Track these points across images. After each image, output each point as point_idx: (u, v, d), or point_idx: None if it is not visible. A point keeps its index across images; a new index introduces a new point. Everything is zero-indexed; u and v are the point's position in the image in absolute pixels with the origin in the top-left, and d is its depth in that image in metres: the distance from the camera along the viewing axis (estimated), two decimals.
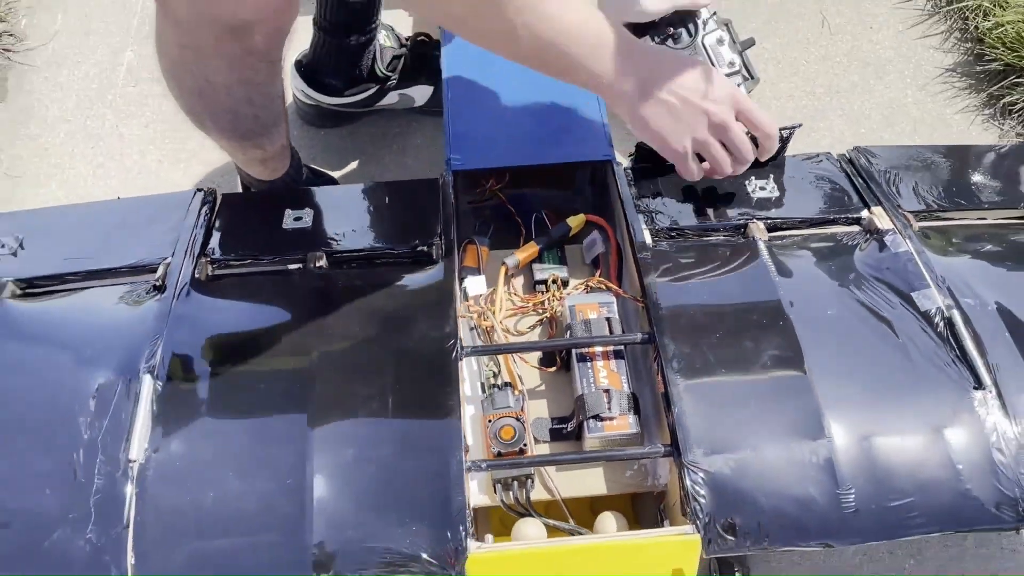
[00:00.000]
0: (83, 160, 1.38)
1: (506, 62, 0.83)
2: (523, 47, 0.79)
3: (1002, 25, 1.43)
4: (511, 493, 0.73)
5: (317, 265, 0.83)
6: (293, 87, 1.35)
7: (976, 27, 1.47)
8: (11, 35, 1.50)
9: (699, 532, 0.67)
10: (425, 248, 0.84)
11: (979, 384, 0.73)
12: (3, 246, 0.87)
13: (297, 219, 0.89)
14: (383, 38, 1.33)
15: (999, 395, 0.72)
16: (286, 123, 1.06)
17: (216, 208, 0.91)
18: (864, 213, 0.88)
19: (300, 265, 0.84)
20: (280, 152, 1.09)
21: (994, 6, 1.46)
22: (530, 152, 0.96)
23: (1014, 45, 1.42)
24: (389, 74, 1.33)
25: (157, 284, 0.82)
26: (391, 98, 1.37)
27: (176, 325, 0.77)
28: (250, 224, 0.91)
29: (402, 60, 1.35)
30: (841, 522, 0.68)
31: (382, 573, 0.65)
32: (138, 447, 0.69)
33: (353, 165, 1.38)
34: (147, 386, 0.72)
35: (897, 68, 1.47)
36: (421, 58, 1.35)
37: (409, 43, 1.36)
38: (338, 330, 0.77)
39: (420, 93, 1.38)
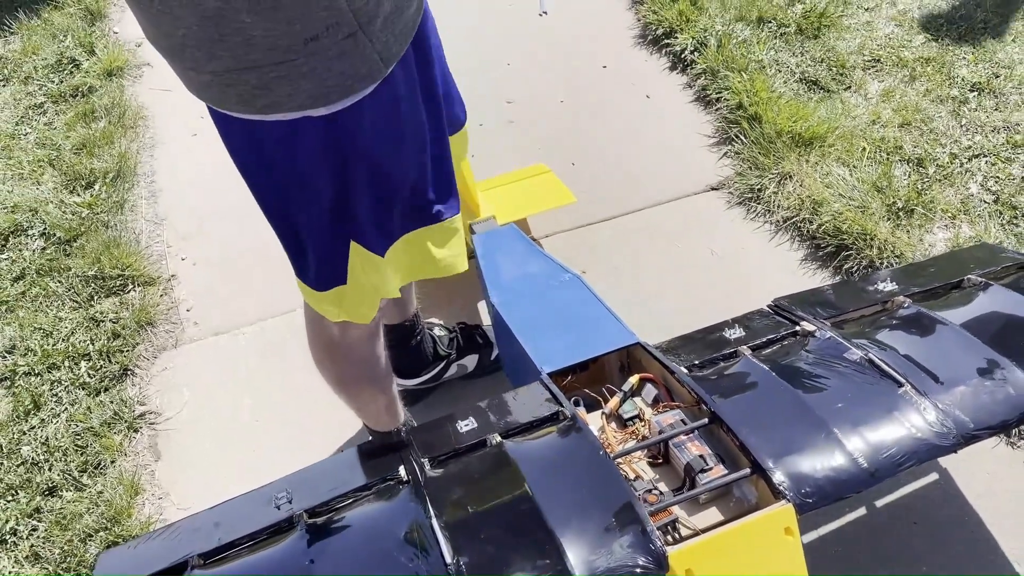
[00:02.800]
0: (236, 469, 1.78)
1: (531, 288, 1.42)
2: None
3: (823, 224, 2.14)
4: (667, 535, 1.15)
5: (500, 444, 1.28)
6: None
7: (808, 231, 2.17)
8: (152, 412, 1.94)
9: (791, 502, 1.11)
10: (569, 421, 1.31)
11: (901, 384, 1.25)
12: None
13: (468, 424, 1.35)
14: (438, 331, 1.88)
15: (912, 385, 1.24)
16: (392, 376, 1.54)
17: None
18: (799, 326, 1.43)
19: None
20: (396, 397, 1.55)
21: (812, 214, 2.17)
22: (586, 350, 1.48)
23: (835, 234, 2.11)
24: (450, 351, 1.86)
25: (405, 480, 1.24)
26: (452, 369, 1.89)
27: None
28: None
29: (455, 340, 1.89)
30: (861, 474, 1.14)
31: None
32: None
33: None
34: (436, 522, 1.13)
35: (775, 266, 2.13)
36: (466, 335, 1.90)
37: (456, 328, 1.91)
38: (549, 472, 1.21)
39: (470, 361, 1.92)
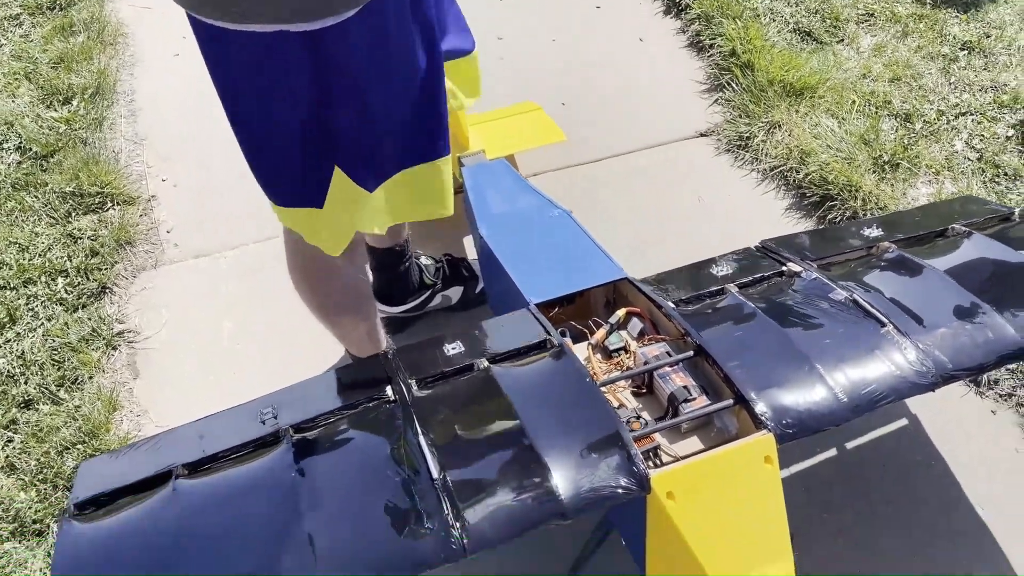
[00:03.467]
0: (216, 391, 1.77)
1: (520, 221, 1.41)
2: None
3: (809, 174, 2.14)
4: (648, 462, 1.17)
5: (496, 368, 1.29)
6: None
7: (795, 180, 2.18)
8: (131, 331, 1.92)
9: (772, 432, 1.13)
10: (556, 349, 1.32)
11: (883, 324, 1.26)
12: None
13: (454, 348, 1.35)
14: (424, 260, 1.87)
15: (894, 326, 1.26)
16: (373, 303, 1.52)
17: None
18: (785, 267, 1.44)
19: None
20: (378, 324, 1.54)
21: (799, 164, 2.18)
22: (574, 282, 1.49)
23: (821, 184, 2.12)
24: (436, 281, 1.86)
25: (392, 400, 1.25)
26: (436, 300, 1.89)
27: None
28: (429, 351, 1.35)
29: (440, 270, 1.88)
30: (841, 408, 1.17)
31: (614, 499, 1.07)
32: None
33: None
34: (423, 440, 1.13)
35: (760, 213, 2.14)
36: (452, 267, 1.89)
37: (442, 259, 1.90)
38: (535, 396, 1.22)
39: (454, 292, 1.91)
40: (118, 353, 1.87)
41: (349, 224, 1.30)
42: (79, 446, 1.65)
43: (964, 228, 1.52)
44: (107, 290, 1.99)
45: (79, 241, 2.06)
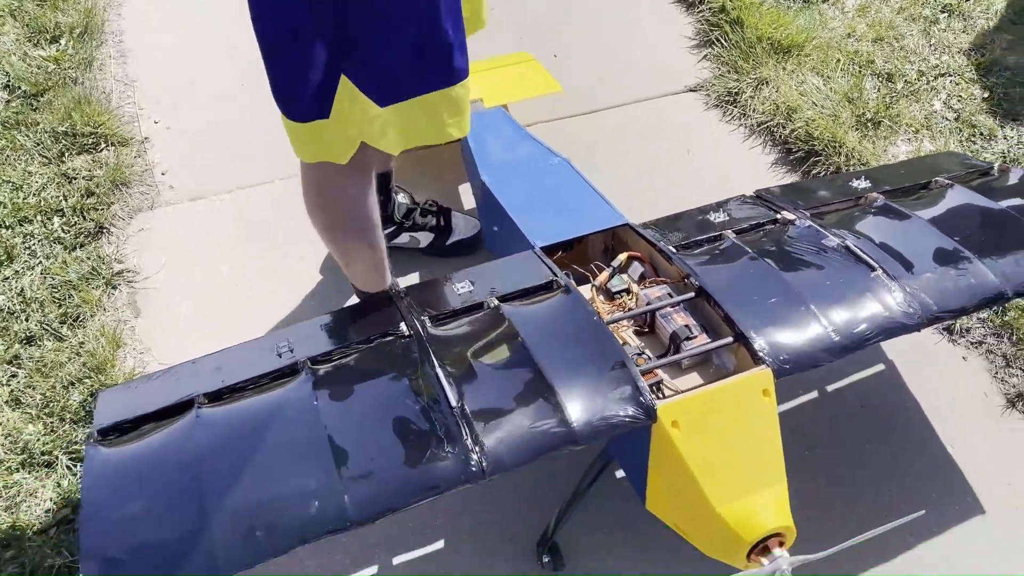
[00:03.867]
0: (217, 331, 1.80)
1: (521, 169, 1.45)
2: None
3: (795, 130, 2.20)
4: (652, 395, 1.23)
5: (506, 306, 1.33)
6: None
7: (781, 136, 2.24)
8: (130, 271, 1.93)
9: (770, 367, 1.20)
10: (563, 289, 1.36)
11: (874, 269, 1.33)
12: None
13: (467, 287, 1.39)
14: (401, 197, 1.91)
15: (884, 271, 1.33)
16: (381, 235, 1.55)
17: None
18: (779, 215, 1.50)
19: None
20: (385, 258, 1.58)
21: (786, 120, 2.23)
22: (577, 227, 1.53)
23: (806, 139, 2.18)
24: (403, 220, 1.89)
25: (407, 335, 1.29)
26: (403, 238, 1.93)
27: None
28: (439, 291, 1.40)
29: (414, 213, 1.91)
30: (834, 346, 1.24)
31: (621, 427, 1.13)
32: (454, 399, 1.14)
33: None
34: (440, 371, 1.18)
35: (747, 168, 2.19)
36: (431, 213, 1.93)
37: (421, 203, 1.94)
38: (545, 333, 1.27)
39: (424, 238, 1.96)
40: (118, 292, 1.88)
41: (356, 134, 1.31)
42: (86, 381, 1.67)
43: (947, 181, 1.59)
44: (104, 230, 1.99)
45: (74, 181, 2.05)
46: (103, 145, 2.14)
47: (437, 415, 1.15)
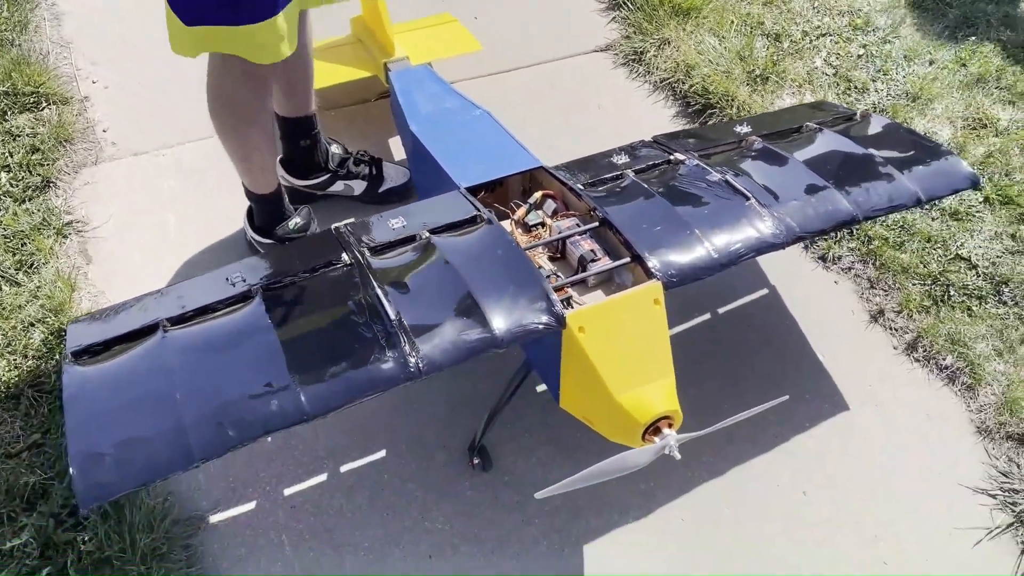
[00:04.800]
0: (167, 275, 1.92)
1: (446, 119, 1.68)
2: None
3: (693, 85, 2.42)
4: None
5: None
6: (278, 175, 2.04)
7: (681, 91, 2.45)
8: (79, 221, 2.03)
9: (660, 280, 1.41)
10: (486, 220, 1.54)
11: (748, 199, 1.55)
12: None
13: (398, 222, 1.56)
14: (335, 147, 2.06)
15: (756, 200, 1.55)
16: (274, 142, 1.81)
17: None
18: (672, 156, 1.71)
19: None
20: (276, 164, 1.81)
21: (685, 76, 2.44)
22: (498, 170, 1.71)
23: (703, 94, 2.40)
24: (337, 169, 2.05)
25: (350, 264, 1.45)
26: (338, 186, 2.09)
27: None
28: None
29: (348, 162, 2.07)
30: (713, 262, 1.45)
31: (536, 333, 1.32)
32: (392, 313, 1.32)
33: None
34: (380, 292, 1.35)
35: (651, 119, 2.40)
36: (364, 162, 2.09)
37: (354, 153, 2.09)
38: (471, 259, 1.45)
39: (358, 186, 2.11)
40: (69, 241, 1.98)
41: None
42: (46, 321, 1.78)
43: (816, 125, 1.82)
44: (51, 184, 2.07)
45: (18, 139, 2.12)
46: (44, 104, 2.21)
47: (379, 327, 1.32)
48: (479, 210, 1.57)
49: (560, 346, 1.40)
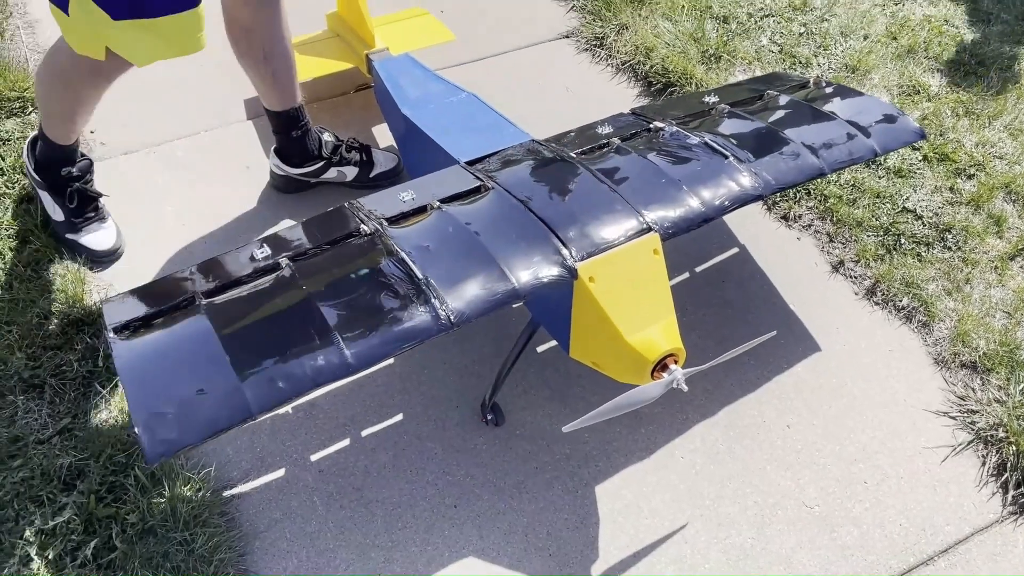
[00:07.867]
0: (173, 263, 1.96)
1: (435, 102, 1.81)
2: None
3: (653, 66, 2.56)
4: None
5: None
6: (271, 164, 2.13)
7: (642, 72, 2.59)
8: None
9: (658, 232, 1.53)
10: (491, 188, 1.64)
11: (727, 157, 1.69)
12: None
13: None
14: (327, 136, 2.13)
15: (735, 158, 1.69)
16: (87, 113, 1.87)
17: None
18: (652, 124, 1.84)
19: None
20: (83, 124, 1.90)
21: (645, 58, 2.58)
22: (492, 145, 1.81)
23: (663, 73, 2.54)
24: (330, 156, 2.13)
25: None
26: (331, 173, 2.16)
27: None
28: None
29: (339, 149, 2.14)
30: (700, 214, 1.58)
31: (552, 283, 1.43)
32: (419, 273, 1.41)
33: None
34: (404, 255, 1.44)
35: (616, 99, 2.53)
36: (354, 149, 2.17)
37: (345, 140, 2.17)
38: (484, 221, 1.55)
39: (350, 172, 2.19)
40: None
41: (93, 36, 1.58)
42: (62, 312, 1.81)
43: (776, 92, 1.97)
44: None
45: (8, 143, 2.13)
46: (31, 108, 2.23)
47: (408, 286, 1.41)
48: (482, 180, 1.67)
49: (570, 298, 1.51)
